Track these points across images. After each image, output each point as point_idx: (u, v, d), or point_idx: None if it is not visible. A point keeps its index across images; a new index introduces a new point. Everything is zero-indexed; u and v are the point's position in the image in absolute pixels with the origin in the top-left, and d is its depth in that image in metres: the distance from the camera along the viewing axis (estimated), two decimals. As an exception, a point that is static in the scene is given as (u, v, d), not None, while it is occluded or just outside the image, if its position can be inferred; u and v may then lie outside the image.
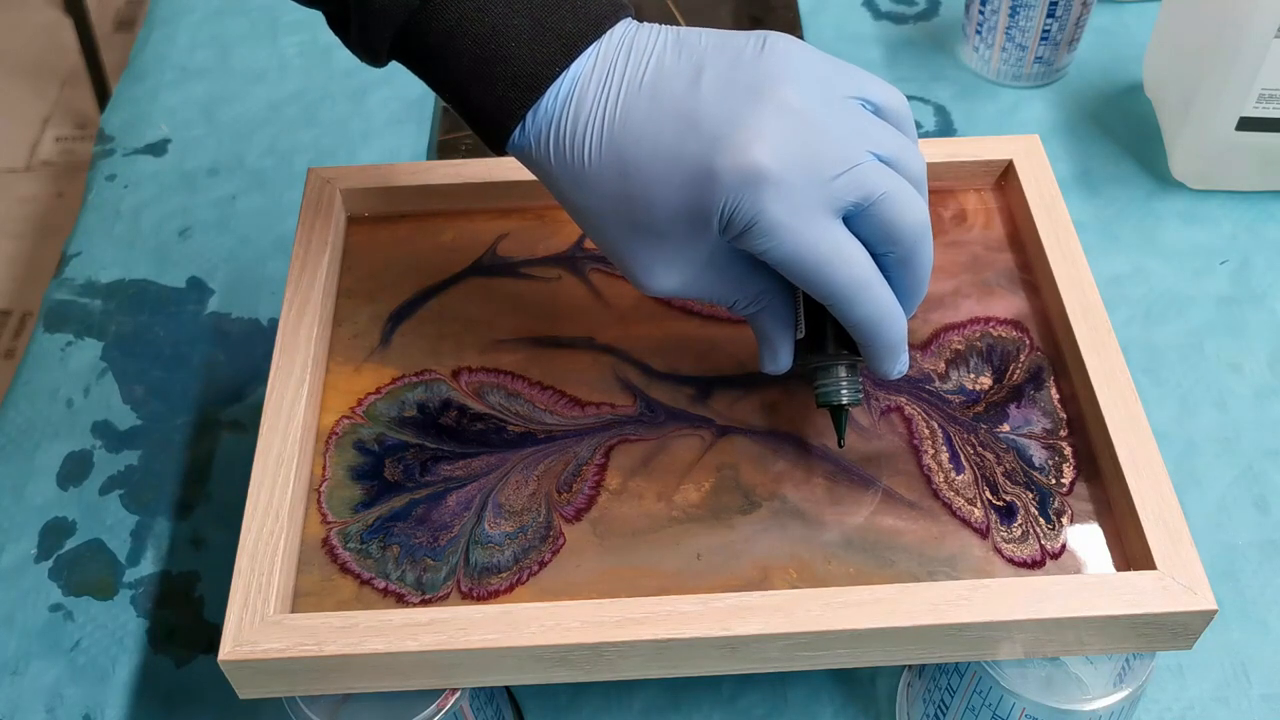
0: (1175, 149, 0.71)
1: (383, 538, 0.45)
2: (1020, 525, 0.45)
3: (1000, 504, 0.46)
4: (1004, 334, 0.51)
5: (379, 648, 0.41)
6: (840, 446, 0.47)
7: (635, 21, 0.42)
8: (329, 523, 0.46)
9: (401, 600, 0.44)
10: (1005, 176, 0.56)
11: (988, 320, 0.51)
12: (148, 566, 0.58)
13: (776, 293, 0.44)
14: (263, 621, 0.42)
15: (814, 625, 0.41)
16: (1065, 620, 0.41)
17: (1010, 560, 0.44)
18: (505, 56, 0.40)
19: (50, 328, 0.68)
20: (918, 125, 0.75)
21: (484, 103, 0.41)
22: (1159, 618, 0.41)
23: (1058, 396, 0.49)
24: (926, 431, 0.48)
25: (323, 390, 0.50)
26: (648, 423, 0.49)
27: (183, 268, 0.70)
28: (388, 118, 0.78)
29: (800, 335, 0.45)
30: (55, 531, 0.59)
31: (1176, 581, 0.42)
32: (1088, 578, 0.43)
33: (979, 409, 0.49)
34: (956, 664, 0.45)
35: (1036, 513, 0.46)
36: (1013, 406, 0.49)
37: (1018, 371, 0.50)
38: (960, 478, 0.47)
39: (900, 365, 0.44)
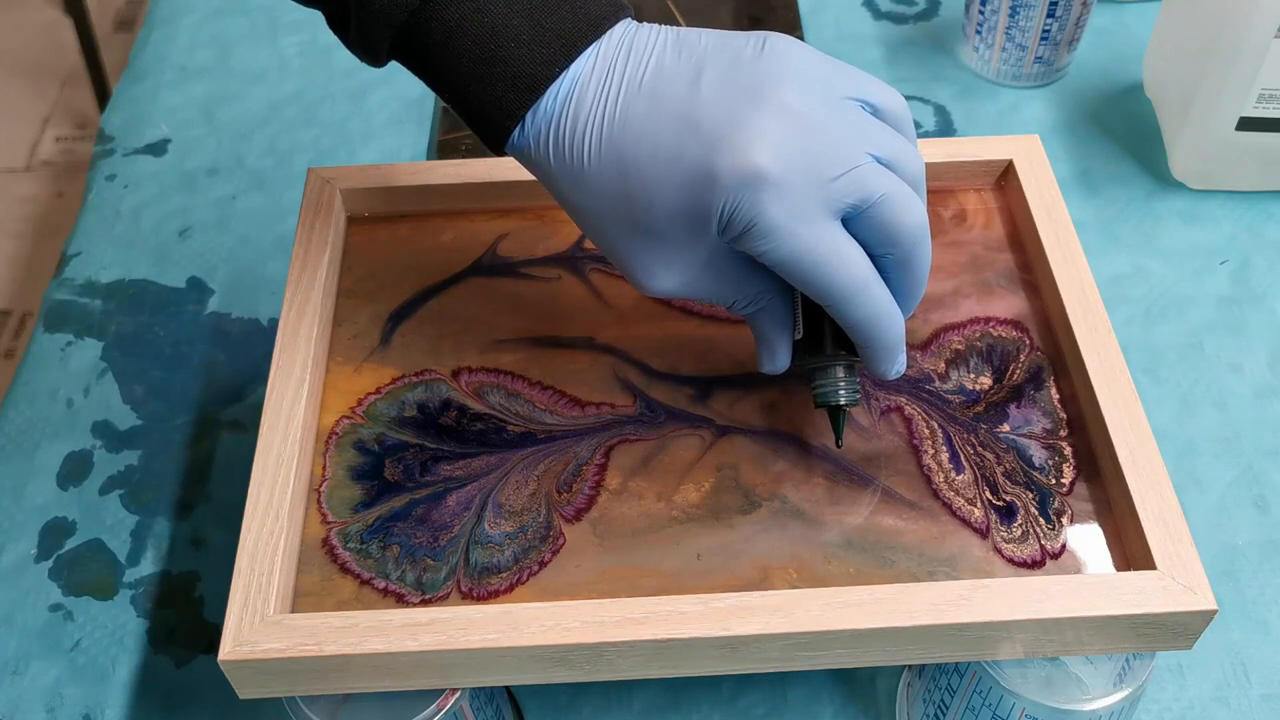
0: (1175, 149, 0.71)
1: (383, 538, 0.45)
2: (1020, 525, 0.45)
3: (1000, 504, 0.46)
4: (1004, 334, 0.51)
5: (379, 648, 0.41)
6: (838, 447, 0.47)
7: (635, 22, 0.42)
8: (329, 523, 0.46)
9: (401, 600, 0.44)
10: (1005, 176, 0.56)
11: (988, 320, 0.51)
12: (148, 566, 0.58)
13: (775, 293, 0.44)
14: (263, 621, 0.42)
15: (814, 625, 0.41)
16: (1065, 620, 0.41)
17: (1010, 560, 0.44)
18: (505, 57, 0.40)
19: (50, 328, 0.68)
20: (917, 125, 0.75)
21: (483, 103, 0.41)
22: (1159, 618, 0.41)
23: (1058, 396, 0.49)
24: (926, 431, 0.48)
25: (323, 390, 0.50)
26: (648, 423, 0.49)
27: (183, 268, 0.70)
28: (388, 118, 0.78)
29: (798, 336, 0.46)
30: (55, 531, 0.59)
31: (1176, 581, 0.42)
32: (1088, 578, 0.43)
33: (979, 409, 0.49)
34: (956, 664, 0.45)
35: (1036, 513, 0.46)
36: (1013, 406, 0.49)
37: (1018, 371, 0.50)
38: (960, 478, 0.47)
39: (898, 366, 0.44)
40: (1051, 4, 0.72)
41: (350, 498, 0.47)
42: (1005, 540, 0.45)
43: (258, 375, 0.65)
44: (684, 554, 0.45)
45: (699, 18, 0.82)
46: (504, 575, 0.44)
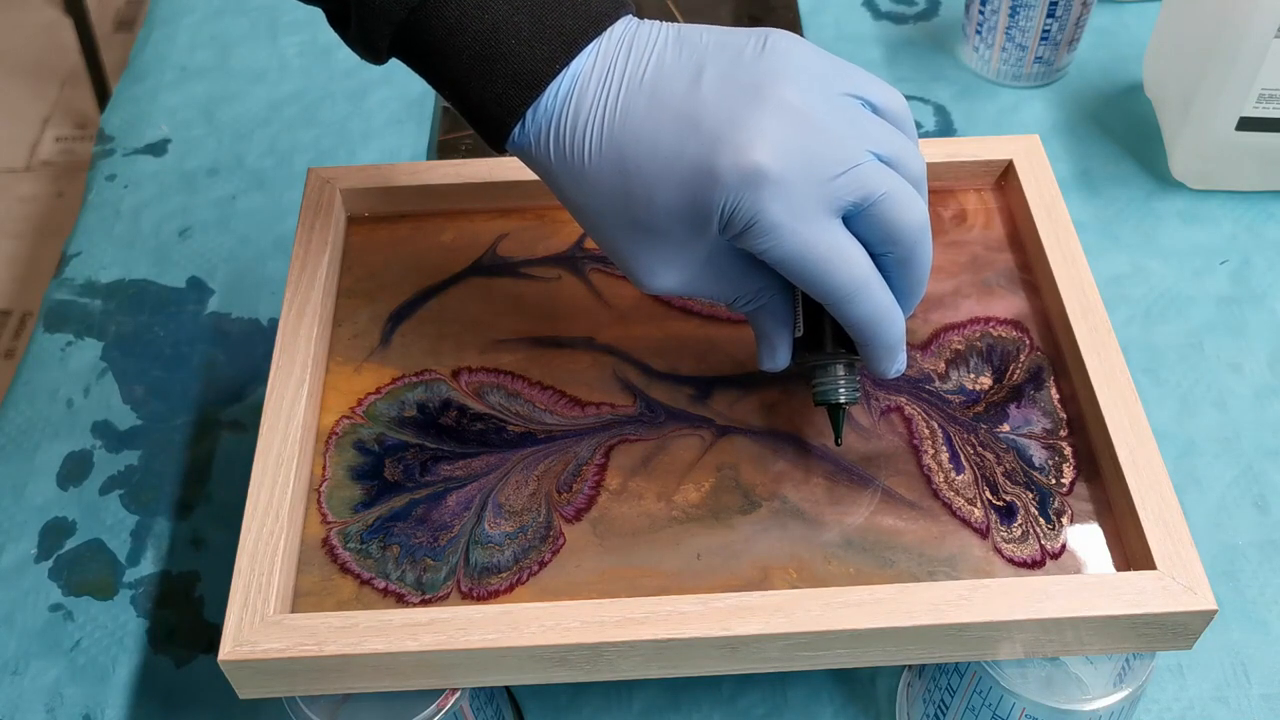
0: (1175, 149, 0.71)
1: (383, 538, 0.45)
2: (1020, 525, 0.45)
3: (1000, 504, 0.46)
4: (1004, 334, 0.51)
5: (379, 648, 0.41)
6: (837, 445, 0.47)
7: (636, 19, 0.42)
8: (329, 523, 0.46)
9: (401, 600, 0.44)
10: (1005, 176, 0.56)
11: (988, 320, 0.51)
12: (148, 566, 0.58)
13: (775, 291, 0.44)
14: (263, 621, 0.42)
15: (814, 625, 0.41)
16: (1065, 620, 0.41)
17: (1010, 560, 0.44)
18: (505, 54, 0.40)
19: (50, 328, 0.68)
20: (918, 125, 0.75)
21: (484, 100, 0.41)
22: (1159, 618, 0.41)
23: (1058, 396, 0.49)
24: (926, 431, 0.48)
25: (323, 390, 0.50)
26: (648, 423, 0.49)
27: (183, 268, 0.70)
28: (388, 118, 0.78)
29: (799, 334, 0.46)
30: (55, 531, 0.59)
31: (1176, 581, 0.42)
32: (1088, 578, 0.42)
33: (979, 409, 0.49)
34: (956, 664, 0.45)
35: (1036, 513, 0.45)
36: (1013, 406, 0.49)
37: (1018, 371, 0.50)
38: (960, 478, 0.46)
39: (898, 365, 0.44)
40: (1051, 4, 0.72)
41: (350, 498, 0.47)
42: (1005, 540, 0.45)
43: (258, 375, 0.65)
44: (684, 554, 0.45)
45: (699, 17, 0.82)
46: (504, 575, 0.44)
